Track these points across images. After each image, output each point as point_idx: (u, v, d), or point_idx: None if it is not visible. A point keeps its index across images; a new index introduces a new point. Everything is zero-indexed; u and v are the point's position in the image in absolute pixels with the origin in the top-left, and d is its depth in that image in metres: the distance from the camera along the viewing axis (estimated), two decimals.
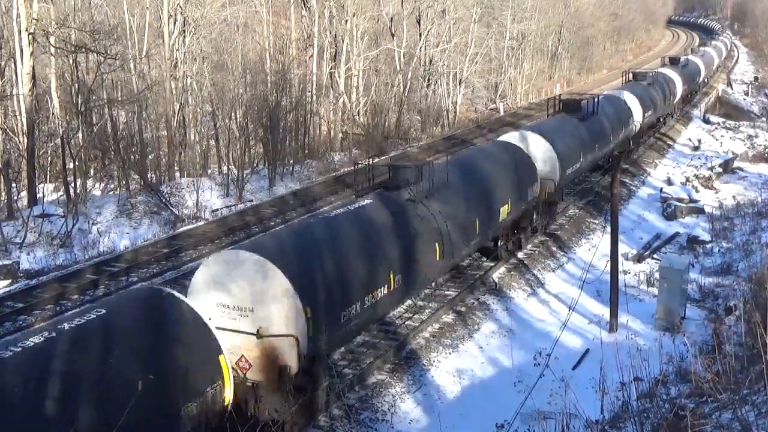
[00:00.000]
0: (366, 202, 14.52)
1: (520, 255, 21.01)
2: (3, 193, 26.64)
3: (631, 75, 39.48)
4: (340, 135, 42.19)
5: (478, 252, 19.68)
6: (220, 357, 9.72)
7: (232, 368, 10.30)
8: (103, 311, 9.21)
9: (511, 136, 22.23)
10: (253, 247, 11.86)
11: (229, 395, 9.84)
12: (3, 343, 8.45)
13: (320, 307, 11.43)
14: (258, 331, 11.08)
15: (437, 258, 15.05)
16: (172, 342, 9.42)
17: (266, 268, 11.08)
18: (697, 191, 29.17)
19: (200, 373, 9.44)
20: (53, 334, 8.44)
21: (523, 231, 20.86)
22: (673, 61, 48.13)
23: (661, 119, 41.10)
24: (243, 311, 11.21)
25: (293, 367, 11.12)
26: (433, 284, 17.63)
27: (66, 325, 8.69)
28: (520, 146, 21.01)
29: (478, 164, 18.71)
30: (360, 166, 16.53)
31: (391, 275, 13.29)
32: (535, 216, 21.18)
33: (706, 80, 60.19)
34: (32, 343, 8.16)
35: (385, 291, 13.15)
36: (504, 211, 18.32)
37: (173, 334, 9.54)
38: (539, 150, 21.50)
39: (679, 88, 43.55)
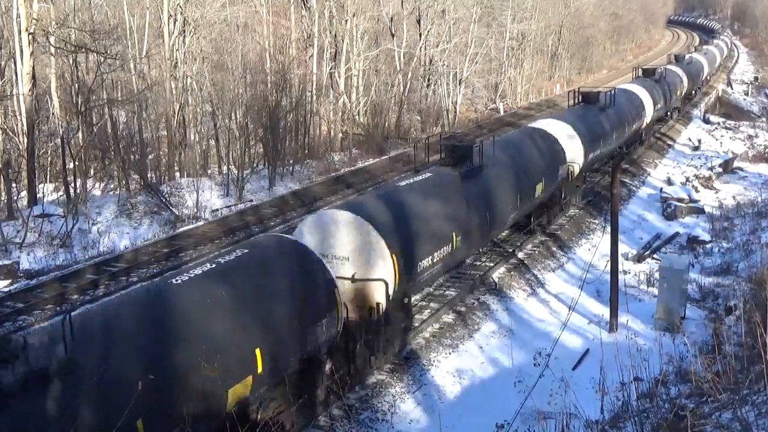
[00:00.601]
0: (428, 175, 16.87)
1: (520, 255, 21.02)
2: (3, 193, 26.63)
3: (640, 71, 41.33)
4: (340, 135, 42.19)
5: (513, 227, 21.66)
6: (336, 290, 12.19)
7: None
8: (247, 250, 11.50)
9: (542, 123, 24.33)
10: (349, 208, 14.18)
11: (342, 320, 12.31)
12: (171, 275, 10.58)
13: (402, 257, 13.77)
14: (353, 276, 13.17)
15: (486, 225, 17.70)
16: (308, 275, 11.88)
17: (362, 225, 13.44)
18: (697, 191, 29.18)
19: (326, 300, 11.97)
20: (213, 266, 10.59)
21: (551, 208, 23.37)
22: (678, 59, 51.48)
23: (669, 113, 43.46)
24: (341, 260, 13.31)
25: (383, 305, 13.43)
26: (434, 284, 17.74)
27: (221, 260, 10.91)
28: (550, 132, 22.89)
29: (518, 146, 21.10)
30: (419, 144, 19.27)
31: (454, 236, 15.71)
32: (563, 195, 23.62)
33: (708, 78, 62.62)
34: (199, 272, 10.37)
35: (449, 249, 15.66)
36: (539, 188, 20.71)
37: (307, 270, 11.93)
38: (566, 136, 23.39)
39: (685, 84, 46.44)
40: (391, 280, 13.38)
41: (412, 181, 16.24)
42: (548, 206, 22.77)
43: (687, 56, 52.25)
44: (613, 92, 29.74)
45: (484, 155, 17.91)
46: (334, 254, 13.32)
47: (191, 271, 10.39)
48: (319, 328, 11.64)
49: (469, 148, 17.67)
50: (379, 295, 13.36)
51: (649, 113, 35.18)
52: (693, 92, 53.43)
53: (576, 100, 28.35)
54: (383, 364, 14.45)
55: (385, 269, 13.29)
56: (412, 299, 15.75)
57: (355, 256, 13.33)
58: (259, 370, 10.21)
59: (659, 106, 37.97)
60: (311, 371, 11.95)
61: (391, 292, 13.44)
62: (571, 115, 25.69)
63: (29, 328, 12.83)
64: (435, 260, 15.13)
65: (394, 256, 13.39)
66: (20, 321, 16.63)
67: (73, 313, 8.52)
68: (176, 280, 10.10)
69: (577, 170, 23.95)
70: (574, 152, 23.52)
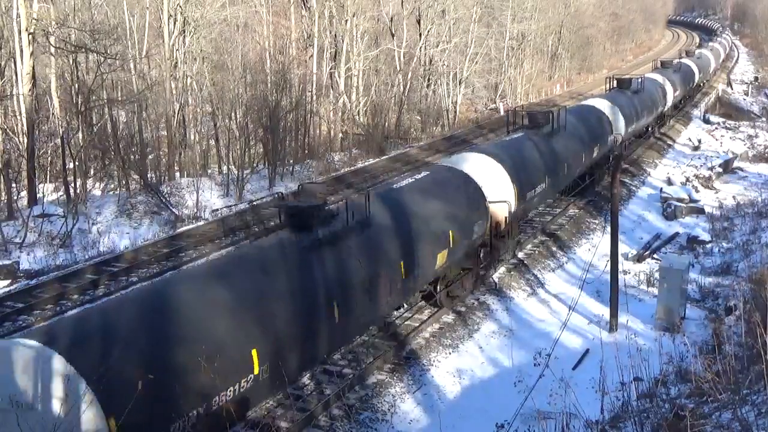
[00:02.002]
0: (521, 134, 22.07)
1: (520, 255, 21.02)
2: (3, 193, 26.64)
3: (660, 63, 48.27)
4: (340, 135, 42.19)
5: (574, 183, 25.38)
6: (488, 204, 17.24)
7: None
8: (429, 173, 17.23)
9: (593, 101, 30.19)
10: (482, 150, 19.51)
11: (488, 228, 17.50)
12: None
13: (519, 187, 18.70)
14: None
15: (564, 174, 22.87)
16: (470, 192, 16.97)
17: (491, 162, 18.32)
18: (697, 191, 29.17)
19: (480, 210, 16.96)
20: (414, 180, 16.40)
21: (601, 168, 27.05)
22: (689, 54, 60.22)
23: (683, 100, 49.02)
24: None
25: (502, 223, 18.04)
26: None
27: (422, 176, 16.74)
28: (600, 109, 28.48)
29: (581, 115, 26.33)
30: (508, 113, 24.60)
31: (546, 177, 20.90)
32: (610, 158, 27.12)
33: (715, 72, 68.56)
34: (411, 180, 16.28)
35: (545, 186, 20.86)
36: (596, 150, 26.19)
37: (470, 189, 17.01)
38: (612, 113, 28.83)
39: (697, 76, 52.71)
40: (512, 202, 18.30)
41: (515, 136, 21.79)
42: (600, 166, 27.73)
43: (676, 62, 51.07)
44: (641, 79, 35.64)
45: (561, 120, 23.08)
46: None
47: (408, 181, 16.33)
48: (477, 226, 16.61)
49: (548, 114, 22.94)
50: (501, 215, 17.99)
51: (670, 98, 40.75)
52: (703, 84, 56.85)
53: (611, 86, 34.51)
54: (510, 259, 20.13)
55: (508, 193, 18.30)
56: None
57: (486, 184, 17.50)
58: (451, 245, 15.34)
59: (677, 92, 43.59)
60: (472, 255, 17.19)
61: (511, 211, 18.27)
62: (612, 98, 30.69)
63: None
64: (537, 192, 20.41)
65: (514, 184, 18.46)
66: (20, 321, 16.64)
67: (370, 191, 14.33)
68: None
69: (620, 140, 29.05)
70: (620, 126, 29.07)
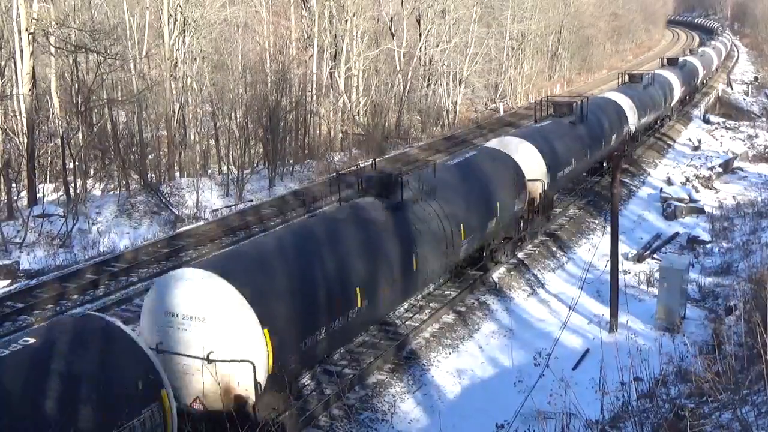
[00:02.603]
0: (548, 122, 24.41)
1: (520, 255, 21.03)
2: (3, 193, 26.64)
3: (666, 60, 49.76)
4: (340, 135, 42.19)
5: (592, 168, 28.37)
6: (526, 181, 19.77)
7: None
8: (476, 152, 20.06)
9: (609, 93, 32.62)
10: (519, 135, 21.70)
11: (526, 203, 20.04)
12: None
13: (551, 168, 21.07)
14: None
15: (588, 157, 25.74)
16: (512, 170, 19.37)
17: (527, 145, 20.77)
18: (697, 191, 29.17)
19: (520, 186, 19.52)
20: (466, 158, 19.01)
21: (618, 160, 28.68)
22: (693, 52, 63.30)
23: (688, 96, 50.91)
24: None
25: (537, 198, 20.70)
26: (434, 284, 17.85)
27: (462, 158, 19.25)
28: (616, 101, 31.01)
29: (601, 108, 28.84)
30: (537, 102, 27.26)
31: (573, 160, 23.53)
32: (626, 147, 31.13)
33: (717, 69, 70.52)
34: (464, 158, 19.07)
35: (571, 167, 23.59)
36: (613, 138, 28.89)
37: (512, 168, 19.41)
38: (627, 105, 31.44)
39: (701, 73, 55.09)
40: (545, 180, 20.66)
41: (544, 123, 24.05)
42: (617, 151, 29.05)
43: (700, 49, 53.26)
44: (651, 75, 38.23)
45: (584, 110, 25.60)
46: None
47: None
48: (518, 200, 18.79)
49: (571, 105, 25.58)
50: (538, 190, 20.33)
51: (677, 92, 42.80)
52: (706, 81, 58.70)
53: (622, 80, 37.61)
54: (538, 235, 21.90)
55: (540, 172, 20.42)
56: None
57: (526, 164, 19.64)
58: (498, 214, 17.73)
59: (684, 88, 45.31)
60: (512, 225, 19.15)
61: (546, 188, 20.62)
62: (626, 92, 33.19)
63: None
64: (566, 172, 22.90)
65: (545, 161, 20.71)
66: (20, 321, 16.63)
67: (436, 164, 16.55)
68: None
69: (633, 130, 32.11)
70: (634, 117, 31.77)
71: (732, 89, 63.00)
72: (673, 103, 43.07)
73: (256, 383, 10.13)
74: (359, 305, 12.31)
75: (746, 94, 60.97)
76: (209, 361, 10.13)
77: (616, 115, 29.97)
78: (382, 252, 13.46)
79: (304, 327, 11.25)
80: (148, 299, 10.93)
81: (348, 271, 12.50)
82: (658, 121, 40.57)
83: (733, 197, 28.66)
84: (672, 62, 48.43)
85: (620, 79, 38.84)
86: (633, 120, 31.99)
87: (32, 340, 8.28)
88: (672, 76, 42.70)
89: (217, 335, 10.17)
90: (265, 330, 10.20)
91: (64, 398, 7.81)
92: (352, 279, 12.43)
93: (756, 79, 69.27)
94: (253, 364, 10.04)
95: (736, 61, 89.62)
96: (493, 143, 21.54)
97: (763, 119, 48.07)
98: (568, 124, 24.89)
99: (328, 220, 14.06)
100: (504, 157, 19.62)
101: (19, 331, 15.44)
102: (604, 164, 29.63)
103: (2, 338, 14.61)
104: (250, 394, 10.18)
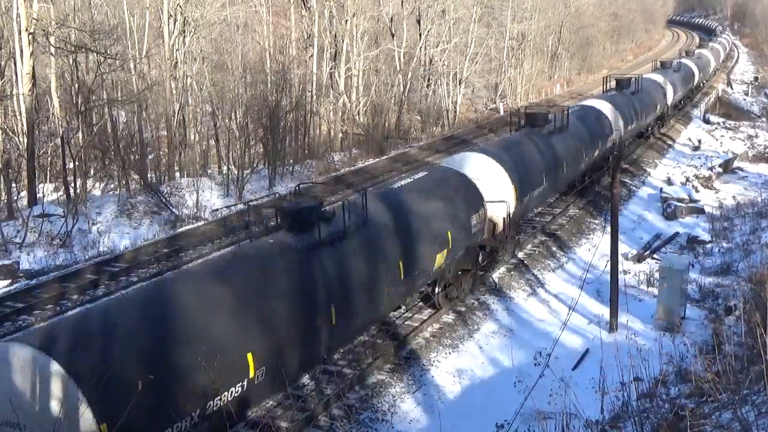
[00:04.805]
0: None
1: (520, 255, 21.02)
2: (3, 193, 26.63)
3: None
4: (340, 135, 42.19)
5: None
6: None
7: None
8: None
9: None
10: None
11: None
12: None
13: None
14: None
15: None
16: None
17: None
18: (697, 191, 29.17)
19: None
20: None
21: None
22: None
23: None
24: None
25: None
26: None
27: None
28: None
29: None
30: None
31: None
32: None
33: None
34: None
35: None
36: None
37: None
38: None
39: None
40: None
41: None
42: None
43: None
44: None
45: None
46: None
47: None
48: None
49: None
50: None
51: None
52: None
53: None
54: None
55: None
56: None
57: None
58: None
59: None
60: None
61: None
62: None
63: None
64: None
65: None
66: (20, 321, 16.64)
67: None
68: None
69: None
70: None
71: (732, 89, 62.99)
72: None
73: None
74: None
75: (746, 94, 60.99)
76: None
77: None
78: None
79: None
80: None
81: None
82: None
83: (733, 197, 28.65)
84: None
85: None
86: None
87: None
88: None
89: None
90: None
91: None
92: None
93: (756, 79, 69.28)
94: None
95: (736, 61, 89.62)
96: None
97: (763, 119, 48.06)
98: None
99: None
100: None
101: (19, 331, 15.44)
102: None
103: (2, 338, 14.61)
104: None
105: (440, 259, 15.18)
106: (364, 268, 12.64)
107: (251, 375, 9.76)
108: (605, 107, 29.14)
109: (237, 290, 10.28)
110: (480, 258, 17.97)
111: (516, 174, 18.70)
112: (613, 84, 34.90)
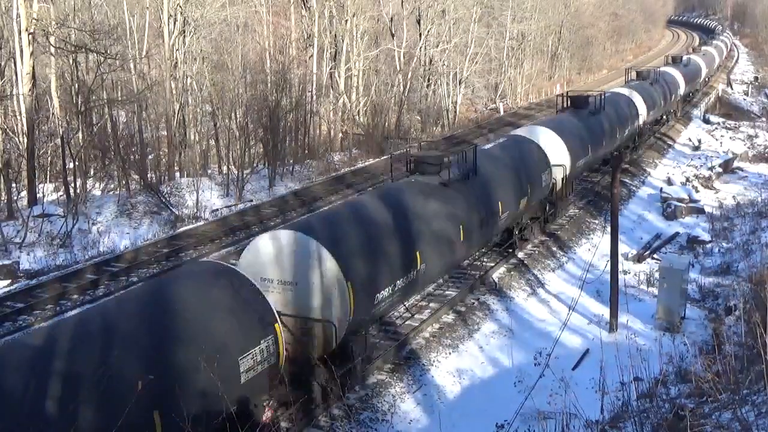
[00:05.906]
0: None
1: (520, 255, 21.03)
2: (3, 193, 26.63)
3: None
4: (340, 135, 42.19)
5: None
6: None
7: None
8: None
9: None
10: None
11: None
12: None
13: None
14: None
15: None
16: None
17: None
18: (697, 191, 29.17)
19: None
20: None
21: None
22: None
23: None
24: None
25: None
26: (436, 284, 17.86)
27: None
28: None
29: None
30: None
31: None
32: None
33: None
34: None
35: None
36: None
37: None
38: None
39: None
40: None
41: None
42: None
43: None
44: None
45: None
46: None
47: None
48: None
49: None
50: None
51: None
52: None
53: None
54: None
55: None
56: None
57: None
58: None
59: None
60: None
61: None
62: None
63: None
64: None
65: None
66: (20, 321, 16.63)
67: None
68: None
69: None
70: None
71: (732, 89, 62.99)
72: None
73: None
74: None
75: (746, 94, 60.98)
76: None
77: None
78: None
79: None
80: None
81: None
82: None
83: (733, 197, 28.65)
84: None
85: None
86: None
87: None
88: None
89: None
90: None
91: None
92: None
93: (756, 79, 69.29)
94: None
95: (736, 61, 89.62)
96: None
97: (763, 119, 48.05)
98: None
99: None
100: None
101: (19, 331, 15.45)
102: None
103: (2, 338, 14.62)
104: None
105: (523, 204, 19.54)
106: (477, 203, 16.95)
107: (418, 267, 14.26)
108: (632, 94, 33.80)
109: (406, 210, 14.74)
110: (546, 208, 22.40)
111: (570, 144, 22.95)
112: (633, 75, 40.61)
